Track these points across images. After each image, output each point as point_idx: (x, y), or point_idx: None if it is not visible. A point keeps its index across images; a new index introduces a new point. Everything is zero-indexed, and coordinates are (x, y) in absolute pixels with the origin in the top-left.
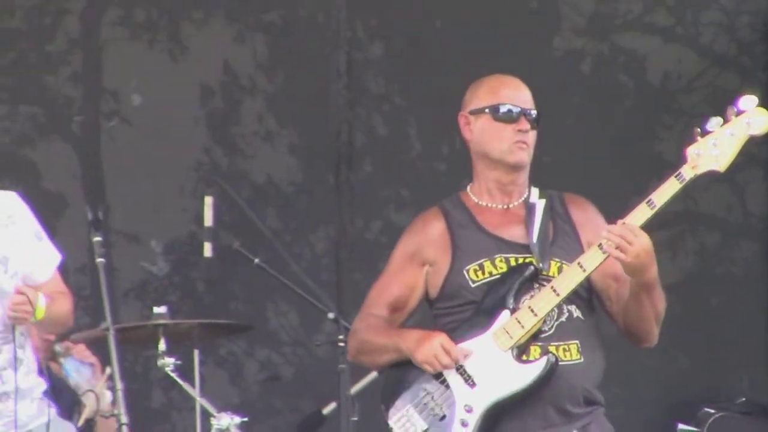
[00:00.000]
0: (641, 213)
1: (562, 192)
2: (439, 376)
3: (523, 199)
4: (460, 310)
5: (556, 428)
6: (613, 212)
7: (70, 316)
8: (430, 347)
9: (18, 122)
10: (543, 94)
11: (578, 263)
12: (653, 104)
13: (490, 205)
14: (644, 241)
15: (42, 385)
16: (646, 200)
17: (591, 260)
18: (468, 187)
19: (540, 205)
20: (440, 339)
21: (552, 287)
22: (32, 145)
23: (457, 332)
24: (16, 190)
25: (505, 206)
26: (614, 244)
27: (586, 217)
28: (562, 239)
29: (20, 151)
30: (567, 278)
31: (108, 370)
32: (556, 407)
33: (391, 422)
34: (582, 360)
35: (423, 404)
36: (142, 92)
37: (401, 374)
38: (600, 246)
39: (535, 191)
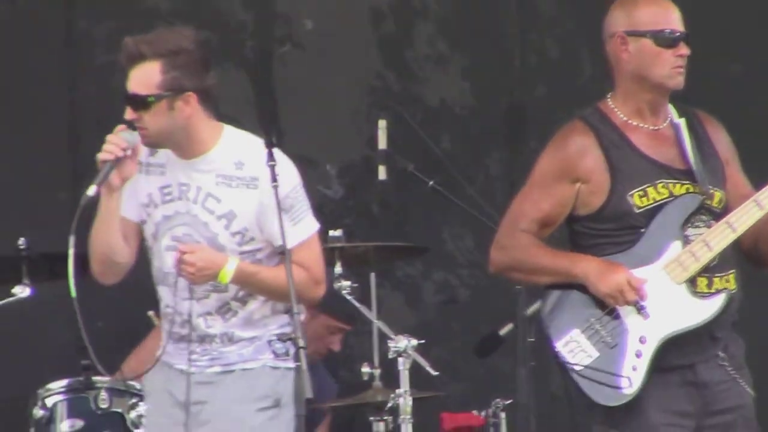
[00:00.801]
0: None
1: (692, 108)
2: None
3: (668, 120)
4: (617, 234)
5: (706, 353)
6: None
7: (298, 290)
8: (615, 281)
9: None
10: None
11: (755, 200)
12: None
13: (639, 125)
14: None
15: (277, 330)
16: None
17: None
18: (609, 102)
19: (683, 125)
20: (626, 274)
21: (728, 222)
22: None
23: (622, 259)
24: None
25: (655, 128)
26: None
27: (719, 137)
28: (710, 162)
29: None
30: (744, 215)
31: None
32: (710, 335)
33: (558, 345)
34: (736, 289)
35: (592, 331)
36: (314, 17)
37: (564, 297)
38: None
39: (672, 108)
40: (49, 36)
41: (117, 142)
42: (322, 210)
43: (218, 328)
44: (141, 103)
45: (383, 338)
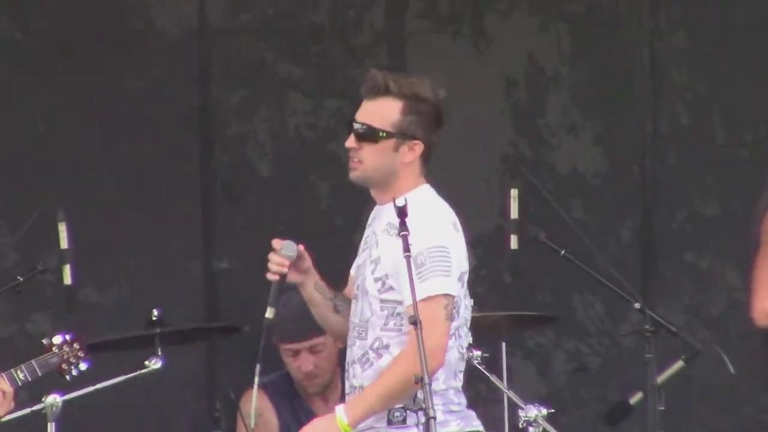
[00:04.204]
0: None
1: None
2: None
3: None
4: None
5: None
6: None
7: (411, 373)
8: None
9: (323, 117)
10: None
11: None
12: None
13: None
14: None
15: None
16: None
17: None
18: None
19: None
20: None
21: None
22: (338, 139)
23: None
24: (323, 184)
25: None
26: None
27: None
28: None
29: (326, 146)
30: None
31: None
32: None
33: None
34: None
35: None
36: (446, 85)
37: None
38: None
39: None
40: (182, 106)
41: (279, 261)
42: None
43: (357, 379)
44: (370, 135)
45: (513, 407)
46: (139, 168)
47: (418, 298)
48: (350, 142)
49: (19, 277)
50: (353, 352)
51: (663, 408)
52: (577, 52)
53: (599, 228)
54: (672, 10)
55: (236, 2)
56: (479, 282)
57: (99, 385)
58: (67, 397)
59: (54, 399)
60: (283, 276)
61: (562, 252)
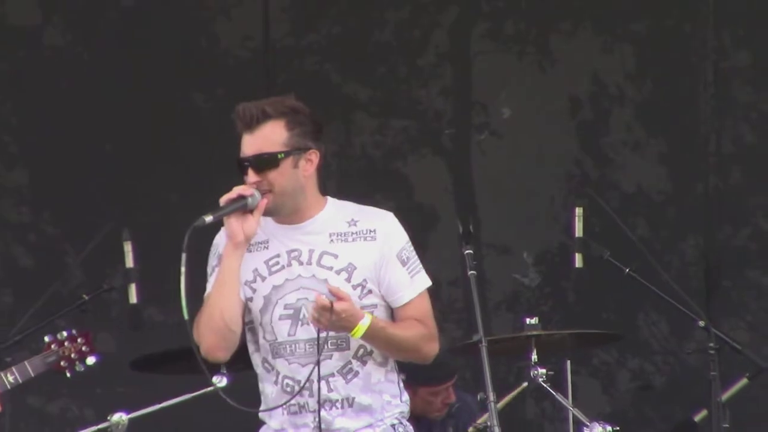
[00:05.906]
0: None
1: None
2: None
3: None
4: None
5: None
6: None
7: (418, 344)
8: None
9: (389, 136)
10: None
11: None
12: None
13: None
14: None
15: (396, 409)
16: None
17: None
18: None
19: None
20: None
21: None
22: (404, 158)
23: None
24: (388, 204)
25: None
26: None
27: None
28: None
29: (392, 164)
30: None
31: None
32: None
33: None
34: None
35: None
36: (511, 104)
37: None
38: None
39: None
40: None
41: (245, 188)
42: (519, 298)
43: (340, 391)
44: (269, 161)
45: (578, 425)
46: (204, 187)
47: (414, 294)
48: (251, 177)
49: (84, 296)
50: (330, 365)
51: (728, 426)
52: (641, 71)
53: (663, 246)
54: (736, 30)
55: (302, 22)
56: (544, 299)
57: (165, 404)
58: (133, 415)
59: (120, 417)
60: (237, 200)
61: (627, 270)
